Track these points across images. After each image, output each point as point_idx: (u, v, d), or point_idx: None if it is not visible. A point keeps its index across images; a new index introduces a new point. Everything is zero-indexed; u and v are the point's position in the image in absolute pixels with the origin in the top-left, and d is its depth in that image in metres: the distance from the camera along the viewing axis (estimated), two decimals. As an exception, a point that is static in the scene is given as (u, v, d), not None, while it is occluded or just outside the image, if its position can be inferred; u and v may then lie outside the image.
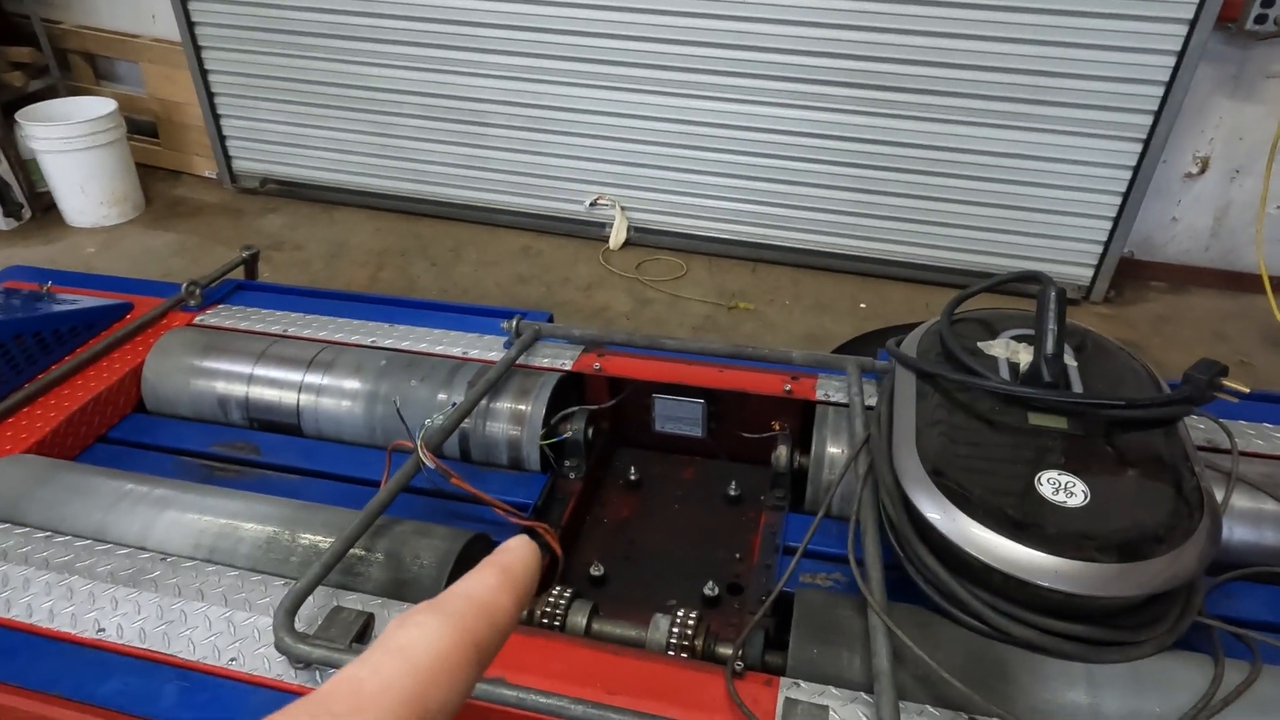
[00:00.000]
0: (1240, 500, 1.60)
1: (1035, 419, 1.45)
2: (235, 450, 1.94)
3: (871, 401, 1.83)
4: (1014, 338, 1.67)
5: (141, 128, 4.21)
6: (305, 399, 1.99)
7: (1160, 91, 3.16)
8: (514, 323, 2.09)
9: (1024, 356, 1.61)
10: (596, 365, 2.03)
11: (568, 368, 2.02)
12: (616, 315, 3.36)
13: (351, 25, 3.77)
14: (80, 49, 4.29)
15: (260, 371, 2.03)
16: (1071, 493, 1.30)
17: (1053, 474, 1.33)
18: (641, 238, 3.92)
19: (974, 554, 1.26)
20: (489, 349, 2.11)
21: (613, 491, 2.06)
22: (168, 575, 1.45)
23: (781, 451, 1.84)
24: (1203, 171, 3.51)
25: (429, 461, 1.61)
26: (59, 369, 2.01)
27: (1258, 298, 3.62)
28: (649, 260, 3.83)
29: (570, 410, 1.92)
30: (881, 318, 3.38)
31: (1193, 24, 3.01)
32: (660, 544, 1.91)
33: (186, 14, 3.84)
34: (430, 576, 1.44)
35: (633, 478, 2.06)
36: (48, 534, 1.56)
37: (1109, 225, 3.47)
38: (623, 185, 3.86)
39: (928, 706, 1.24)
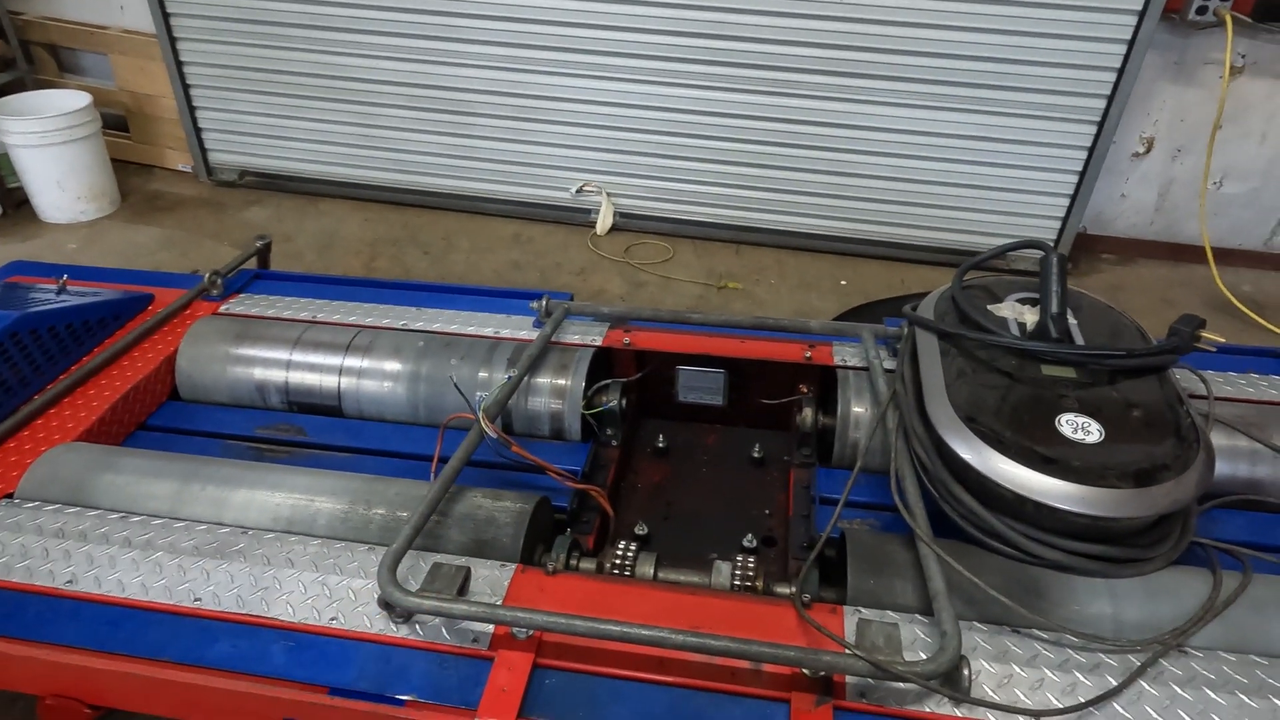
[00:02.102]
0: (1216, 438, 1.80)
1: (1048, 370, 1.62)
2: (281, 432, 1.99)
3: (889, 365, 1.98)
4: (1018, 300, 1.84)
5: (109, 121, 4.11)
6: (346, 381, 2.05)
7: (1113, 78, 3.41)
8: (543, 303, 2.18)
9: (1029, 316, 1.79)
10: (626, 340, 2.14)
11: (598, 343, 2.12)
12: (613, 298, 3.47)
13: (334, 16, 3.76)
14: (44, 41, 4.14)
15: (298, 357, 2.08)
16: (1088, 431, 1.47)
17: (1070, 416, 1.50)
18: (627, 223, 4.03)
19: (1009, 488, 1.42)
20: (519, 328, 2.20)
21: (643, 459, 2.18)
22: (253, 547, 1.51)
23: (807, 413, 1.99)
24: (1148, 151, 3.80)
25: (491, 432, 1.70)
26: (93, 360, 2.02)
27: (1197, 266, 3.94)
28: (636, 244, 3.94)
29: (605, 382, 2.03)
30: (863, 293, 3.57)
31: (1141, 15, 3.27)
32: (694, 504, 2.04)
33: (161, 5, 3.76)
34: (509, 535, 1.54)
35: (661, 445, 2.18)
36: (121, 515, 1.60)
37: (1067, 202, 3.73)
38: (608, 172, 3.96)
39: (975, 622, 1.40)
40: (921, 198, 3.81)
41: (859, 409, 1.92)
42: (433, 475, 1.80)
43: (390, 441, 1.96)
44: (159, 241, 3.74)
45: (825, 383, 2.12)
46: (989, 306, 1.82)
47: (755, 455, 2.15)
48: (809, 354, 2.08)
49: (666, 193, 3.99)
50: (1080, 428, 1.48)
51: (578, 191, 4.02)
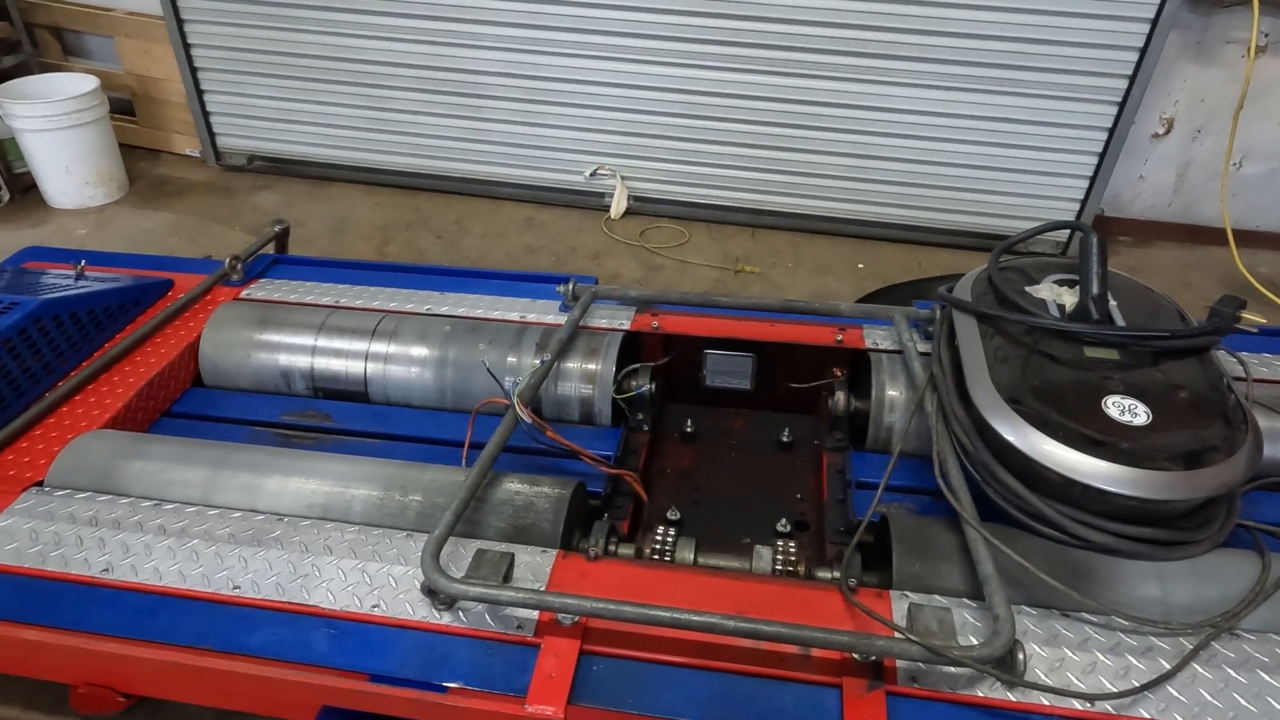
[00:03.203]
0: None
1: (1091, 352, 1.60)
2: (307, 419, 1.98)
3: (923, 348, 1.96)
4: (1056, 281, 1.82)
5: (116, 105, 4.04)
6: (373, 367, 2.03)
7: (1135, 57, 3.37)
8: (570, 286, 2.16)
9: (1068, 298, 1.76)
10: (654, 324, 2.11)
11: (626, 327, 2.10)
12: (628, 282, 3.44)
13: (345, -3, 3.73)
14: (48, 23, 4.08)
15: (323, 343, 2.05)
16: (1135, 413, 1.45)
17: (1116, 398, 1.48)
18: (642, 206, 3.99)
19: (1056, 470, 1.40)
20: (545, 312, 2.17)
21: (670, 443, 2.17)
22: (289, 534, 1.50)
23: (839, 397, 1.97)
24: (1168, 132, 3.76)
25: (526, 417, 1.68)
26: (116, 346, 2.00)
27: (1214, 249, 3.92)
28: (651, 228, 3.91)
29: (634, 366, 2.01)
30: (880, 277, 3.54)
31: (1166, -7, 3.25)
32: (725, 489, 2.03)
33: (168, -14, 3.73)
34: (549, 521, 1.52)
35: (689, 430, 2.17)
36: (154, 503, 1.58)
37: (1086, 184, 3.70)
38: (622, 155, 3.92)
39: (1024, 606, 1.39)
40: (939, 180, 3.77)
41: (893, 392, 1.90)
42: (464, 461, 1.78)
43: (418, 427, 1.94)
44: (168, 227, 3.71)
45: (854, 366, 2.10)
46: (1026, 288, 1.80)
47: (784, 439, 2.14)
48: (840, 337, 2.06)
49: (681, 176, 3.95)
50: (1127, 410, 1.46)
51: (592, 175, 3.98)
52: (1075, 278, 1.79)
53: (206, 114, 4.14)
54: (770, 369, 2.17)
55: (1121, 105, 3.47)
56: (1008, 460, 1.49)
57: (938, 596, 1.40)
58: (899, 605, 1.37)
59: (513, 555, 1.41)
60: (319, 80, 3.96)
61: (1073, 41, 3.38)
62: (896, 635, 1.25)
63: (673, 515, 1.87)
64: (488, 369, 1.86)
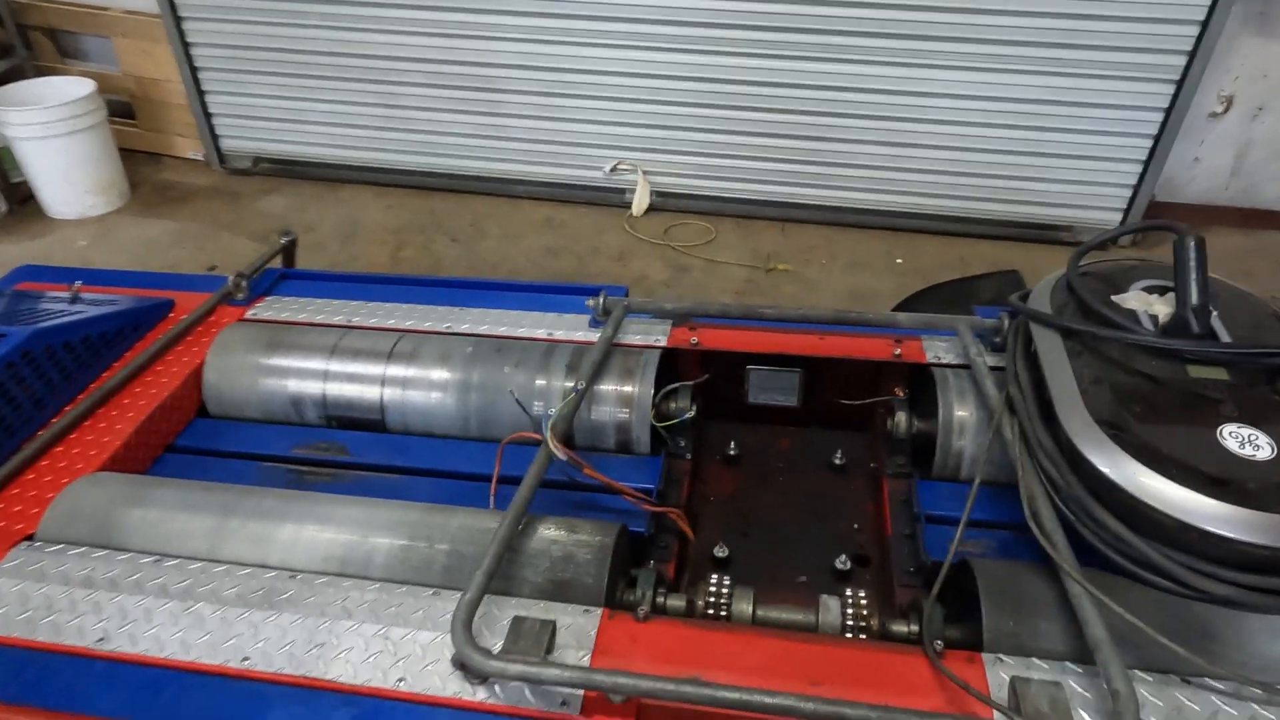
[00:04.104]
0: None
1: (1195, 371, 1.42)
2: (321, 452, 1.83)
3: (992, 361, 1.78)
4: (1146, 289, 1.64)
5: (115, 108, 3.91)
6: (390, 393, 1.88)
7: (1196, 31, 3.14)
8: (600, 300, 1.99)
9: (1160, 308, 1.58)
10: (693, 340, 1.95)
11: (663, 344, 1.93)
12: (655, 284, 3.28)
13: (350, -11, 3.56)
14: (42, 24, 3.94)
15: (336, 367, 1.90)
16: (1258, 446, 1.27)
17: (1233, 427, 1.30)
18: (665, 202, 3.82)
19: (1170, 513, 1.23)
20: (574, 328, 2.01)
21: (712, 467, 2.01)
22: (303, 594, 1.35)
23: (901, 418, 1.79)
24: (1226, 111, 3.53)
25: (560, 453, 1.52)
26: (114, 376, 1.85)
27: (1276, 234, 3.70)
28: (676, 225, 3.73)
29: (674, 386, 1.85)
30: (920, 271, 3.35)
31: (1231, -41, 3.02)
32: (774, 518, 1.86)
33: (166, -18, 3.57)
34: (591, 575, 1.37)
35: (731, 452, 2.00)
36: (155, 558, 1.44)
37: (1139, 169, 3.47)
38: (643, 149, 3.74)
39: (1138, 672, 1.21)
40: (982, 168, 3.57)
41: (962, 413, 1.72)
42: (491, 500, 1.63)
43: (442, 459, 1.79)
44: (173, 235, 3.57)
45: (911, 382, 1.93)
46: (1114, 297, 1.61)
47: (836, 461, 1.97)
48: (898, 350, 1.88)
49: (706, 169, 3.78)
50: (1247, 441, 1.28)
51: (611, 170, 3.80)
52: (1166, 284, 1.61)
53: (209, 115, 4.00)
54: (819, 385, 2.00)
55: (1180, 83, 3.25)
56: (1105, 498, 1.32)
57: (1036, 660, 1.23)
58: (993, 673, 1.20)
59: (554, 623, 1.25)
60: (326, 77, 3.81)
61: (1127, 16, 3.16)
62: (1000, 718, 1.09)
63: (720, 553, 1.72)
64: (516, 400, 1.70)
